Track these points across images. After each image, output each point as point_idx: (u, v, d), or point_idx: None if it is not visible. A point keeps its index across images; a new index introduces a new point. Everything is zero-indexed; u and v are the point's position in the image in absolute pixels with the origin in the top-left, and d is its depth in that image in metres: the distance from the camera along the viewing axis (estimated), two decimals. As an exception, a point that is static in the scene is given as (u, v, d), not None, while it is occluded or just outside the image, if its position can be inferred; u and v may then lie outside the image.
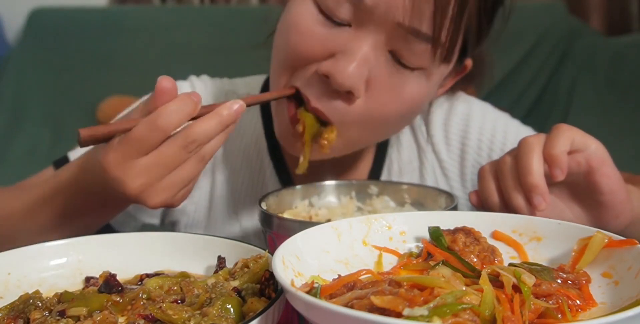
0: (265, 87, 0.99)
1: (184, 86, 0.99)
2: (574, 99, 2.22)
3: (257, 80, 1.02)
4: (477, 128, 0.98)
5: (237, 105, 0.65)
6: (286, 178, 0.96)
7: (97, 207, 0.75)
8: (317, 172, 0.90)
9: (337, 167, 0.93)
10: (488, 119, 0.99)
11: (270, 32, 0.85)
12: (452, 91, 0.95)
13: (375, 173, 0.98)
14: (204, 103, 0.95)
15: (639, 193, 0.76)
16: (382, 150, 0.99)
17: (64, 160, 0.91)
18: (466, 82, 0.93)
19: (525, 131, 1.00)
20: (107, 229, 0.92)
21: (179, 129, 0.63)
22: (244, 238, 0.76)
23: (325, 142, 0.77)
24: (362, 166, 0.98)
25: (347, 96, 0.74)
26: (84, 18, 2.49)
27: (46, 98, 2.41)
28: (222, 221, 0.98)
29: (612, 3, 2.48)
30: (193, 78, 1.01)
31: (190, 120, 0.64)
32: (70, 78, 2.41)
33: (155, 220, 0.99)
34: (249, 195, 0.97)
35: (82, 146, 0.62)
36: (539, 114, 2.20)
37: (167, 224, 1.02)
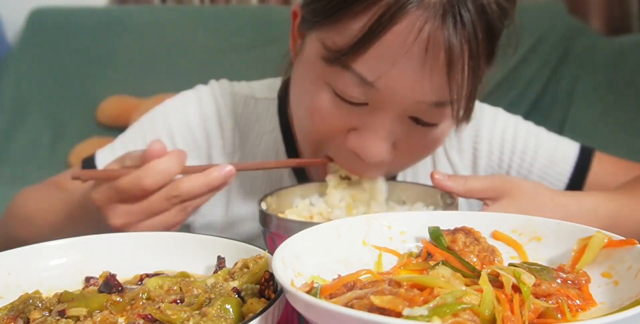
0: (282, 92, 1.00)
1: (203, 91, 0.99)
2: (574, 98, 2.22)
3: (274, 84, 1.02)
4: (488, 133, 1.00)
5: (227, 169, 0.69)
6: (304, 181, 0.96)
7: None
8: None
9: None
10: (498, 123, 1.00)
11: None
12: None
13: (390, 177, 0.99)
14: (225, 108, 0.99)
15: (609, 201, 0.79)
16: None
17: (91, 160, 0.94)
18: None
19: (537, 131, 1.01)
20: None
21: None
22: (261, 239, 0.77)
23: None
24: None
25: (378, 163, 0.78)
26: (84, 18, 2.49)
27: (46, 98, 2.41)
28: (239, 221, 0.99)
29: (612, 3, 2.48)
30: (213, 82, 1.01)
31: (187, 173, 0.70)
32: (70, 78, 2.41)
33: None
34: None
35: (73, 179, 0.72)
36: (539, 114, 2.19)
37: (184, 225, 1.02)
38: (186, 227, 1.02)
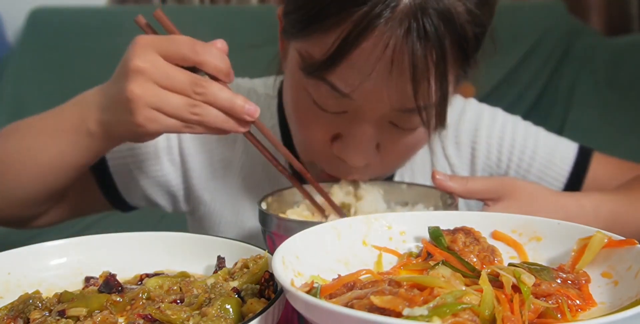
0: (281, 90, 1.00)
1: None
2: (574, 99, 2.22)
3: (274, 81, 1.02)
4: (486, 132, 1.00)
5: (253, 107, 0.67)
6: (301, 177, 0.97)
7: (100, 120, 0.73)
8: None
9: None
10: (497, 123, 1.01)
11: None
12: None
13: (389, 176, 0.99)
14: None
15: (609, 201, 0.79)
16: None
17: (102, 162, 0.93)
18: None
19: (535, 131, 1.01)
20: (114, 191, 0.94)
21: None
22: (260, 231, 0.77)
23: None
24: None
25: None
26: (84, 18, 2.49)
27: (46, 98, 2.40)
28: (240, 213, 0.99)
29: (612, 3, 2.48)
30: None
31: None
32: (70, 78, 2.41)
33: (166, 204, 1.00)
34: (264, 190, 0.98)
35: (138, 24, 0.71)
36: (539, 114, 2.20)
37: (188, 212, 1.04)
38: (190, 214, 1.03)
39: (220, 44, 0.67)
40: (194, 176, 0.98)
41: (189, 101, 0.65)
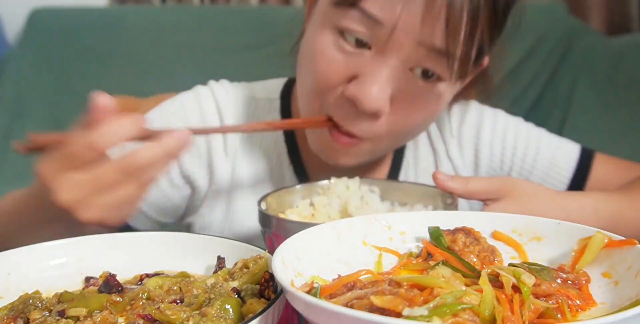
0: (284, 92, 1.00)
1: (203, 92, 0.98)
2: (574, 98, 2.22)
3: (276, 84, 1.02)
4: (488, 134, 1.01)
5: (182, 133, 0.64)
6: (305, 181, 0.96)
7: (53, 219, 0.70)
8: (337, 174, 0.91)
9: (357, 170, 0.94)
10: (499, 125, 1.01)
11: (294, 41, 0.88)
12: (463, 95, 0.96)
13: (392, 176, 1.00)
14: (226, 108, 0.98)
15: (609, 201, 0.79)
16: (399, 154, 1.01)
17: None
18: (470, 87, 0.94)
19: (537, 133, 1.01)
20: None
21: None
22: (261, 240, 0.77)
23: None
24: (380, 169, 1.00)
25: (374, 114, 0.78)
26: (84, 18, 2.49)
27: (46, 98, 2.41)
28: (239, 222, 0.99)
29: (612, 3, 2.48)
30: (212, 83, 1.01)
31: (141, 139, 0.64)
32: (70, 78, 2.41)
33: (170, 220, 1.00)
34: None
35: (21, 153, 0.63)
36: (539, 114, 2.20)
37: (184, 226, 1.03)
38: (186, 228, 1.03)
39: (101, 100, 0.62)
40: (198, 191, 0.97)
41: (131, 184, 0.62)
